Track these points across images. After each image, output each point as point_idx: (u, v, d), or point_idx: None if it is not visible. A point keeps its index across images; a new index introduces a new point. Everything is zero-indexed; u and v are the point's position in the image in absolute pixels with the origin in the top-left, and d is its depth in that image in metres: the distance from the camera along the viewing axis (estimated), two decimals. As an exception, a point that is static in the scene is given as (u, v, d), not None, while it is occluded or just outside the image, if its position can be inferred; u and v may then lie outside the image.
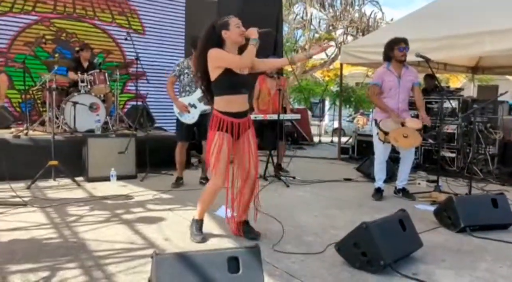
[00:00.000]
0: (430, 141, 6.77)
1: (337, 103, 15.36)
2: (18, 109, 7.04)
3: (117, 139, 5.56)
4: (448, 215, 3.67)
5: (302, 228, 3.57)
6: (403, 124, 4.43)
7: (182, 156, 5.14)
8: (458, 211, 3.56)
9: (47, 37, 7.14)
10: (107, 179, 5.19)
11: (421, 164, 6.86)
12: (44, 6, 7.27)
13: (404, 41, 4.51)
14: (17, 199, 4.15)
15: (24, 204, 4.04)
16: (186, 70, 4.94)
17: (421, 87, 5.60)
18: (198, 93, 4.84)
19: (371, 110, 20.49)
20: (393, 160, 5.71)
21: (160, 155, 5.91)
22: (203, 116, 4.90)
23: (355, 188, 5.43)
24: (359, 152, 7.92)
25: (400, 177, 4.87)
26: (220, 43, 3.02)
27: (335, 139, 12.20)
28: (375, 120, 4.71)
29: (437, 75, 6.60)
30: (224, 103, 3.04)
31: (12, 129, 5.96)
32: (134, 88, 7.86)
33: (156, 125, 7.64)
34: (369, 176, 5.88)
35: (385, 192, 4.82)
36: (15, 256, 2.77)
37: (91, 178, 5.26)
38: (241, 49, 3.05)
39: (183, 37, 8.45)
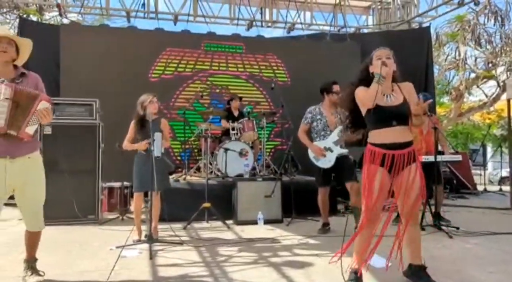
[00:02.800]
0: None
1: (503, 149, 13.39)
2: (178, 158, 7.79)
3: (263, 183, 5.65)
4: None
5: (475, 286, 2.97)
6: None
7: (325, 201, 4.95)
8: None
9: (204, 92, 7.89)
10: (254, 222, 5.26)
11: None
12: (202, 66, 8.14)
13: None
14: (175, 238, 4.43)
15: (181, 243, 4.28)
16: (318, 117, 4.89)
17: None
18: (334, 136, 4.74)
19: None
20: None
21: (304, 199, 5.77)
22: (341, 160, 4.72)
23: (541, 243, 4.44)
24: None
25: None
26: (370, 80, 2.93)
27: (504, 188, 10.57)
28: None
29: None
30: (376, 136, 2.95)
31: (173, 176, 6.56)
32: (279, 136, 8.17)
33: (300, 171, 7.62)
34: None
35: None
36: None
37: (240, 221, 5.38)
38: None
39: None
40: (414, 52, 8.47)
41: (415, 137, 5.50)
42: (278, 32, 9.70)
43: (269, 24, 9.21)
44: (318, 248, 4.10)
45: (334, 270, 3.25)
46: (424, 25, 9.34)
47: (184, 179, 6.16)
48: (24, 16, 9.08)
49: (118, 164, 5.77)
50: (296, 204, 5.60)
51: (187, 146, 7.53)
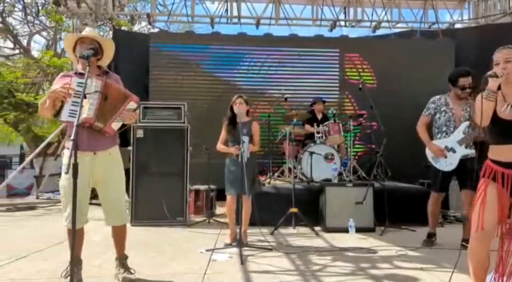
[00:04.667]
0: None
1: None
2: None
3: (354, 189, 5.32)
4: None
5: None
6: None
7: (436, 209, 4.42)
8: None
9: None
10: (344, 229, 4.98)
11: None
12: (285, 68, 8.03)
13: None
14: (265, 244, 4.29)
15: (271, 249, 4.13)
16: (443, 108, 4.27)
17: None
18: (459, 134, 4.13)
19: None
20: None
21: (398, 208, 5.37)
22: (465, 162, 4.11)
23: None
24: None
25: None
26: None
27: None
28: None
29: None
30: (494, 151, 2.57)
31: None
32: (362, 140, 7.77)
33: (391, 176, 7.16)
34: None
35: None
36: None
37: (329, 228, 5.12)
38: None
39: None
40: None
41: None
42: (363, 32, 9.25)
43: (353, 24, 8.84)
44: (421, 261, 3.72)
45: (447, 287, 2.90)
46: (531, 16, 8.38)
47: (269, 182, 6.03)
48: (117, 27, 9.64)
49: (204, 167, 5.83)
50: (390, 212, 5.20)
51: (269, 150, 7.40)
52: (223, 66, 7.90)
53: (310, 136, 6.68)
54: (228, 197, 4.39)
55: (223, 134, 4.47)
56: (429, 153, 4.28)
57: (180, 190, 5.54)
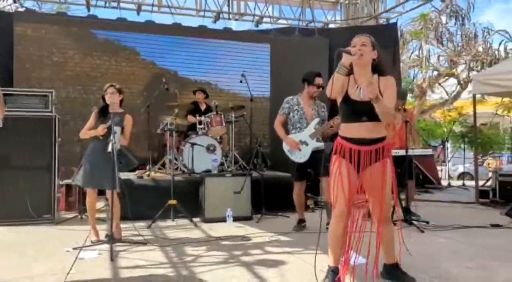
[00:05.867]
0: None
1: (463, 145, 13.80)
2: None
3: (233, 178, 5.43)
4: None
5: None
6: None
7: (301, 197, 4.79)
8: None
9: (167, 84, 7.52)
10: (223, 219, 5.05)
11: None
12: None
13: None
14: (139, 238, 4.15)
15: (145, 243, 4.00)
16: (296, 107, 4.70)
17: None
18: (310, 129, 4.58)
19: (503, 152, 18.15)
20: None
21: (275, 196, 5.64)
22: (316, 154, 4.54)
23: (510, 235, 4.47)
24: (504, 195, 6.74)
25: None
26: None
27: (467, 183, 10.83)
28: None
29: None
30: (344, 129, 2.81)
31: (137, 172, 6.22)
32: (246, 132, 7.95)
33: (270, 166, 7.45)
34: (525, 222, 4.87)
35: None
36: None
37: (208, 219, 5.16)
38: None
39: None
40: (381, 48, 8.45)
41: (387, 132, 5.48)
42: (246, 25, 9.44)
43: (237, 17, 8.97)
44: (291, 246, 3.94)
45: (309, 268, 3.11)
46: (391, 21, 9.38)
47: (149, 175, 5.85)
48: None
49: (78, 160, 5.42)
50: (266, 200, 5.44)
51: (150, 141, 7.16)
52: (100, 53, 7.40)
53: (193, 128, 6.62)
54: (88, 191, 4.15)
55: (91, 122, 4.18)
56: (285, 146, 4.65)
57: (48, 185, 5.06)
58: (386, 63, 2.86)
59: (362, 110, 2.69)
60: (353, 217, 2.77)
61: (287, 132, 4.74)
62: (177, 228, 4.83)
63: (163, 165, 6.53)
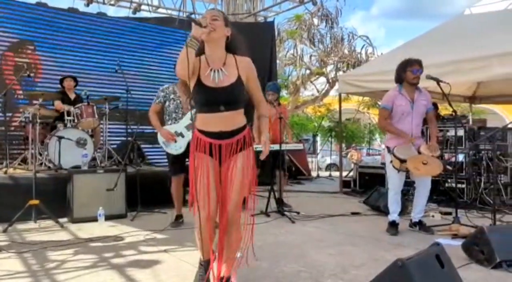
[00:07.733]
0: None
1: (330, 138, 15.14)
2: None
3: (105, 175, 5.09)
4: (480, 249, 3.26)
5: (318, 268, 3.12)
6: (418, 152, 4.10)
7: (179, 192, 4.65)
8: (492, 244, 3.17)
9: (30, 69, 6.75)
10: (94, 219, 4.73)
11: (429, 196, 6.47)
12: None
13: (419, 63, 4.24)
14: (-9, 244, 3.66)
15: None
16: (172, 96, 4.53)
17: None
18: (186, 120, 4.43)
19: (363, 145, 20.33)
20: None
21: (152, 192, 5.49)
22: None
23: (365, 222, 5.01)
24: (362, 185, 7.55)
25: (415, 209, 4.48)
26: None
27: (333, 173, 11.88)
28: (388, 148, 4.36)
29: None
30: (201, 121, 2.47)
31: (-9, 168, 5.49)
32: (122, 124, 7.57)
33: (148, 161, 7.23)
34: (378, 209, 5.51)
35: (399, 226, 4.40)
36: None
37: (76, 219, 4.77)
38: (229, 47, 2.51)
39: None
40: (259, 46, 8.71)
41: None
42: (123, 12, 8.91)
43: (112, 2, 8.43)
44: (167, 243, 3.85)
45: (184, 265, 3.09)
46: (269, 19, 9.75)
47: (5, 172, 5.19)
48: None
49: None
50: (143, 197, 5.24)
51: (8, 133, 6.36)
52: None
53: (61, 119, 6.05)
54: None
55: None
56: (160, 138, 4.48)
57: None
58: (240, 41, 2.55)
59: (219, 99, 2.39)
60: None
61: (164, 122, 4.57)
62: (39, 231, 4.37)
63: (24, 160, 5.86)
